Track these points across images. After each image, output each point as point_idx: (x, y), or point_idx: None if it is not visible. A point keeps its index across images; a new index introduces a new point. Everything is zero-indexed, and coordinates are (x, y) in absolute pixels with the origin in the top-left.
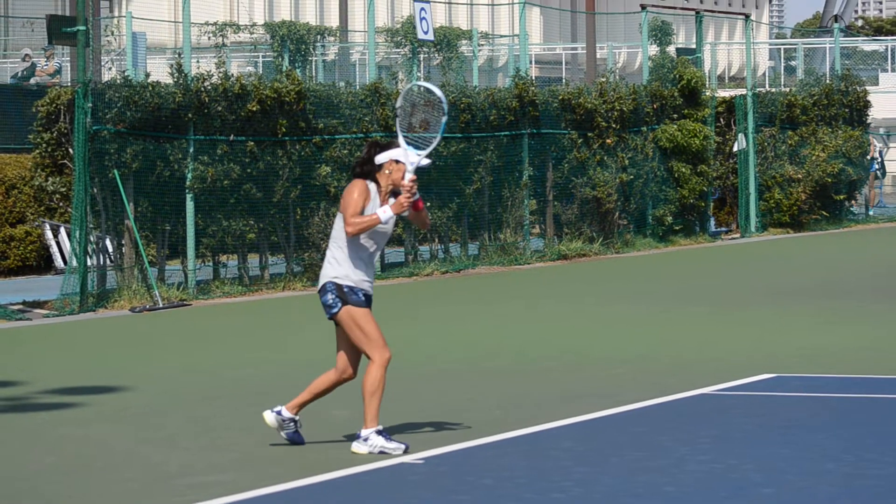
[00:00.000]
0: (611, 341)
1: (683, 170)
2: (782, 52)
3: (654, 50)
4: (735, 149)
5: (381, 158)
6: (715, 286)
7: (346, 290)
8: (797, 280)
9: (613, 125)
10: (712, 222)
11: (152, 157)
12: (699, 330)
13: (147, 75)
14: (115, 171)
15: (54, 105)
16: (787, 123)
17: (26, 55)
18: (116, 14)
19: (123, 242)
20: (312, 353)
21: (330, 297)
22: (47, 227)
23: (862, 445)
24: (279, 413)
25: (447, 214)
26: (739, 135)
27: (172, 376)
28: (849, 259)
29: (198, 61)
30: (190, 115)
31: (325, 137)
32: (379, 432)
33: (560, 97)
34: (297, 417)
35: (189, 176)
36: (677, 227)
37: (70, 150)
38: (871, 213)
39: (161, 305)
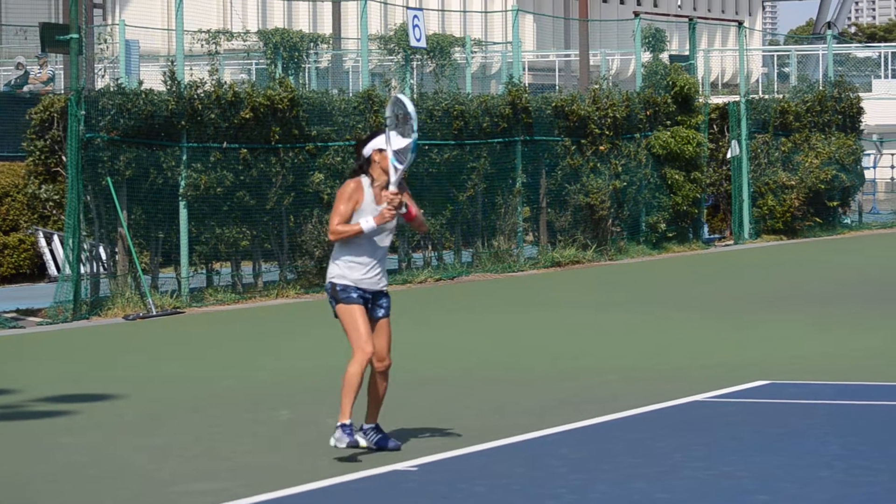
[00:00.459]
0: (605, 348)
1: (677, 176)
2: (775, 58)
3: (647, 57)
4: (728, 155)
5: (366, 151)
6: (708, 293)
7: (339, 288)
8: (791, 287)
9: (607, 132)
10: (706, 229)
11: (145, 165)
12: (693, 337)
13: (140, 83)
14: (109, 179)
15: (47, 113)
16: (780, 130)
17: (19, 63)
18: (110, 22)
19: (117, 250)
20: (306, 360)
21: (328, 296)
22: (41, 234)
23: (856, 452)
24: (362, 430)
25: (441, 221)
26: (733, 141)
27: (166, 384)
28: (842, 266)
29: (191, 69)
30: (183, 123)
31: (319, 145)
32: (342, 426)
33: (553, 104)
34: (374, 424)
35: (182, 183)
36: (671, 234)
37: (63, 158)
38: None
39: (154, 313)
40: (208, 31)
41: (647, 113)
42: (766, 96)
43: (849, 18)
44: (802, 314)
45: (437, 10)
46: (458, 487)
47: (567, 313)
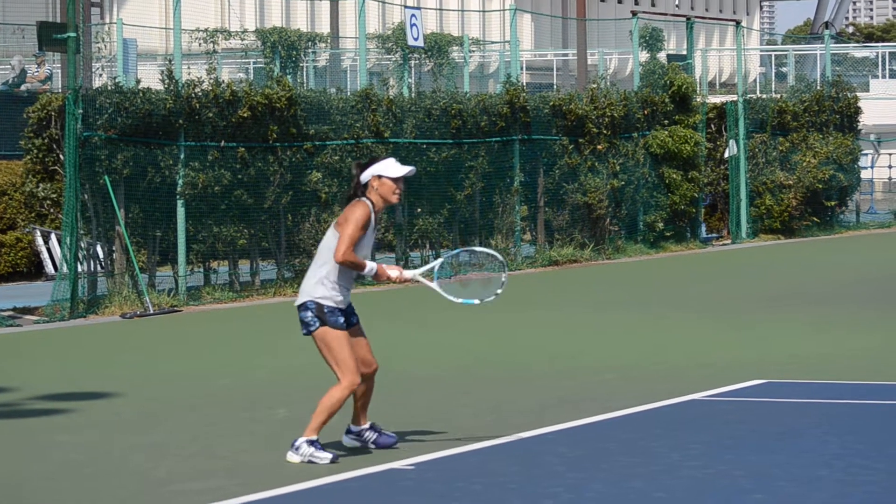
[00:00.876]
0: (602, 347)
1: (674, 176)
2: (773, 58)
3: (644, 56)
4: (726, 155)
5: (365, 177)
6: (706, 292)
7: (326, 310)
8: (788, 286)
9: (604, 131)
10: (703, 228)
11: (143, 164)
12: (690, 336)
13: (138, 81)
14: (106, 178)
15: (45, 111)
16: (777, 130)
17: (17, 62)
18: (107, 20)
19: (114, 248)
20: (303, 359)
21: (309, 315)
22: (38, 233)
23: (853, 451)
24: (351, 431)
25: (438, 220)
26: (731, 141)
27: (163, 382)
28: (840, 265)
29: (188, 67)
30: (181, 122)
31: (316, 143)
32: (311, 442)
33: (551, 103)
34: (368, 424)
35: (180, 182)
36: (668, 234)
37: (61, 156)
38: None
39: (152, 311)
40: (206, 30)
41: (645, 112)
42: (764, 96)
43: (846, 18)
44: (800, 313)
45: (435, 9)
46: (456, 486)
47: (564, 312)
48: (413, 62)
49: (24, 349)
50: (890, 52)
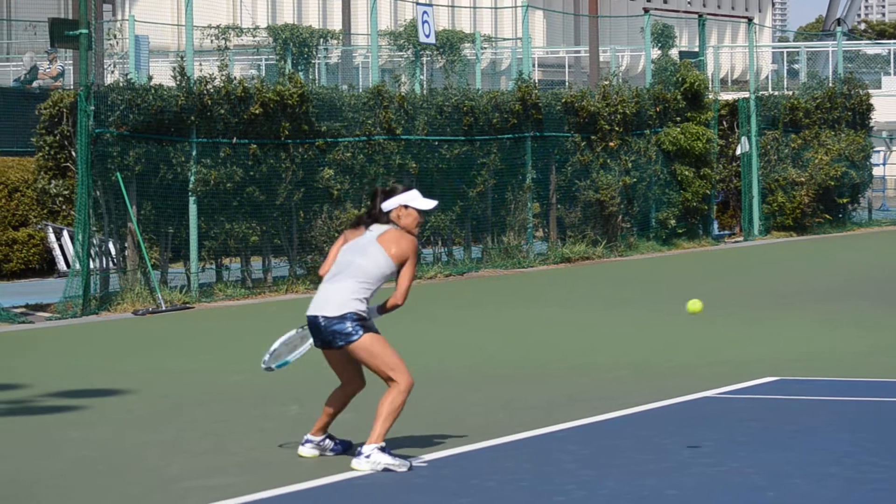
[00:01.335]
0: (614, 344)
1: (686, 173)
2: (785, 55)
3: (656, 53)
4: (738, 152)
5: (389, 205)
6: (718, 289)
7: (367, 319)
8: (800, 283)
9: (616, 128)
10: (715, 225)
11: (155, 160)
12: (702, 333)
13: (150, 78)
14: (118, 174)
15: (57, 108)
16: (789, 127)
17: (29, 59)
18: (119, 17)
19: (126, 245)
20: (315, 356)
21: (349, 325)
22: (50, 230)
23: (865, 449)
24: (309, 441)
25: (450, 217)
26: (742, 138)
27: (175, 379)
28: (852, 262)
29: (200, 64)
30: (193, 118)
31: (328, 140)
32: (382, 449)
33: (563, 100)
34: (325, 435)
35: (192, 179)
36: (680, 231)
37: (73, 153)
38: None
39: (164, 308)
40: (218, 27)
41: (657, 109)
42: (776, 93)
43: (858, 15)
44: (812, 311)
45: (447, 6)
46: (469, 483)
47: (576, 309)
48: (425, 59)
49: (37, 346)
50: None
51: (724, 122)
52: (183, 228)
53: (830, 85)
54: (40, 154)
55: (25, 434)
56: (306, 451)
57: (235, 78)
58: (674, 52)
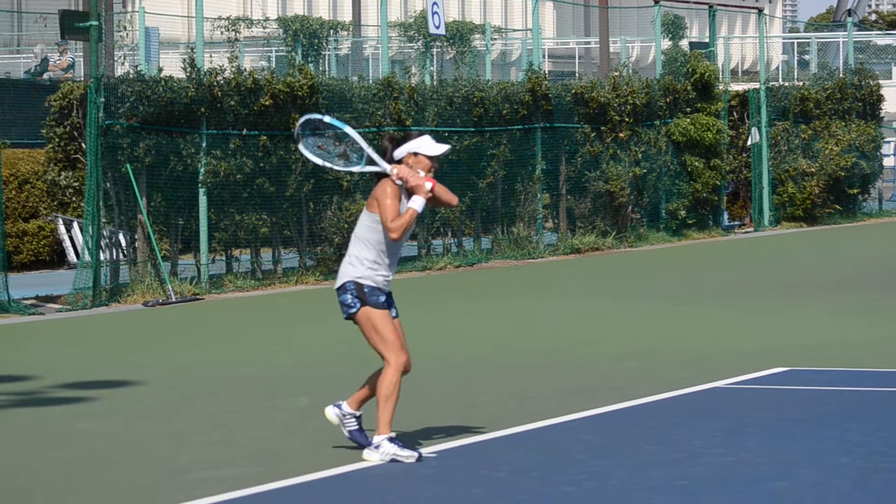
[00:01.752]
0: (624, 335)
1: (696, 164)
2: (796, 46)
3: (667, 44)
4: (749, 143)
5: (399, 153)
6: (728, 280)
7: (366, 290)
8: (810, 274)
9: (626, 119)
10: (725, 216)
11: (165, 152)
12: (712, 324)
13: (160, 70)
14: (128, 166)
15: (67, 100)
16: (800, 117)
17: (39, 50)
18: (129, 9)
19: (136, 237)
20: (325, 346)
21: (349, 296)
22: (60, 221)
23: (876, 439)
24: (339, 407)
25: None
26: (753, 129)
27: (185, 371)
28: (862, 253)
29: (210, 56)
30: (203, 110)
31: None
32: (391, 439)
33: (573, 91)
34: (358, 413)
35: (202, 170)
36: (690, 221)
37: (83, 145)
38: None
39: (174, 300)
40: (228, 19)
41: (667, 100)
42: (787, 84)
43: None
44: (822, 301)
45: None
46: (479, 474)
47: (586, 300)
48: (435, 50)
49: (47, 337)
50: None
51: (735, 113)
52: (193, 220)
53: (841, 76)
54: (50, 146)
55: (35, 425)
56: (330, 412)
57: (245, 69)
58: (684, 43)
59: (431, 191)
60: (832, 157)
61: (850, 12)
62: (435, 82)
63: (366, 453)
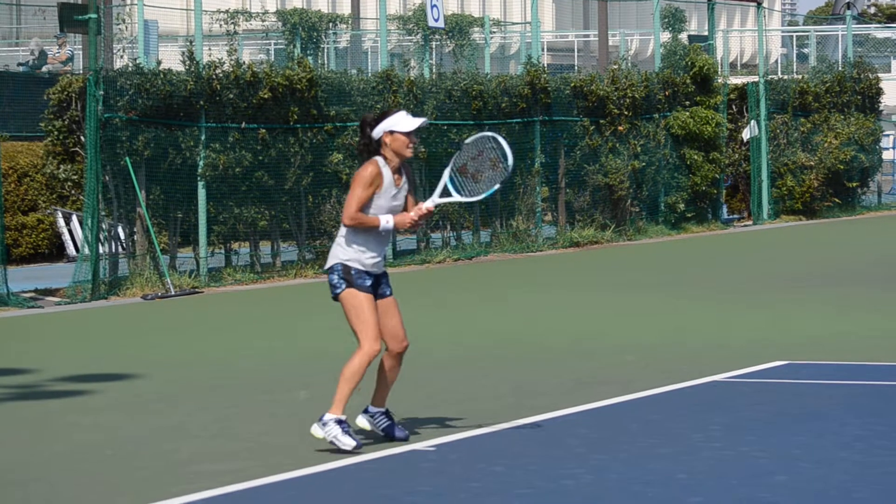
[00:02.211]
0: (623, 329)
1: (696, 157)
2: (794, 39)
3: (666, 37)
4: (746, 136)
5: (377, 133)
6: (727, 273)
7: (353, 272)
8: (809, 267)
9: (625, 112)
10: (724, 209)
11: (164, 145)
12: (711, 317)
13: (159, 63)
14: (127, 159)
15: (66, 93)
16: (799, 111)
17: (35, 45)
18: (128, 2)
19: (135, 230)
20: (324, 340)
21: (336, 277)
22: (59, 214)
23: (875, 433)
24: (367, 411)
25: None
26: (752, 122)
27: (184, 364)
28: (861, 246)
29: (209, 49)
30: (202, 103)
31: (337, 125)
32: (339, 421)
33: (572, 84)
34: (384, 409)
35: (201, 163)
36: (689, 215)
37: (82, 138)
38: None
39: (173, 293)
40: (227, 12)
41: (666, 93)
42: (786, 77)
43: None
44: (821, 295)
45: None
46: (477, 467)
47: (585, 293)
48: (434, 43)
49: (46, 331)
50: None
51: (734, 106)
52: (192, 213)
53: (840, 69)
54: (49, 139)
55: (34, 419)
56: (361, 421)
57: (244, 62)
58: (683, 36)
59: (414, 227)
60: (831, 151)
61: (848, 5)
62: (434, 75)
63: (313, 427)
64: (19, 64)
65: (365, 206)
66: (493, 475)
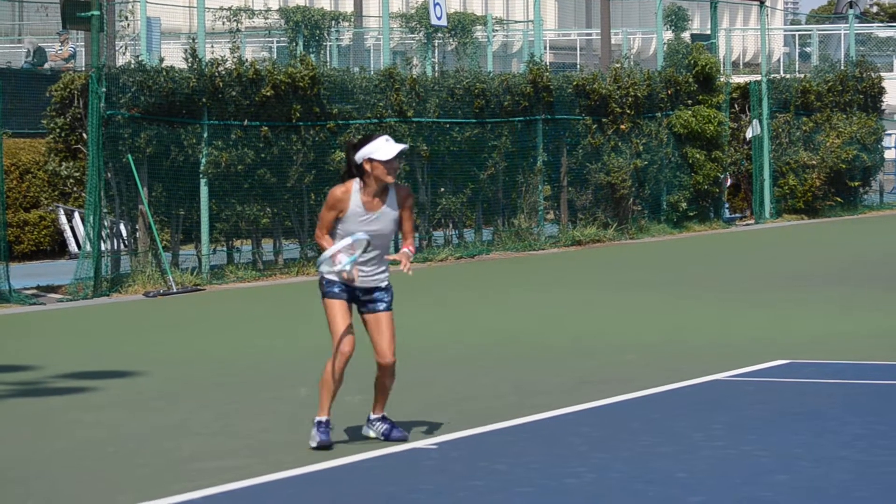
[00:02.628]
0: (625, 327)
1: (698, 156)
2: (797, 38)
3: (668, 36)
4: (749, 135)
5: (358, 158)
6: (729, 272)
7: (325, 283)
8: (811, 266)
9: (628, 111)
10: (726, 208)
11: (166, 142)
12: (713, 316)
13: (161, 60)
14: (129, 156)
15: (68, 90)
16: (801, 109)
17: (29, 44)
18: None
19: (137, 227)
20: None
21: (319, 284)
22: (61, 211)
23: (876, 432)
24: (368, 420)
25: (461, 200)
26: (754, 121)
27: (185, 361)
28: (863, 245)
29: (212, 46)
30: (204, 100)
31: (340, 123)
32: (318, 423)
33: (574, 83)
34: (382, 414)
35: (203, 161)
36: (692, 213)
37: (84, 135)
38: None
39: (175, 290)
40: (230, 9)
41: (669, 92)
42: (788, 76)
43: None
44: (823, 294)
45: None
46: (479, 466)
47: (587, 292)
48: (436, 41)
49: (48, 328)
50: None
51: (736, 105)
52: (194, 210)
53: (842, 68)
54: (51, 136)
55: (36, 415)
56: (366, 430)
57: (247, 60)
58: (686, 35)
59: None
60: (833, 150)
61: (851, 4)
62: (436, 73)
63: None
64: (26, 61)
65: (333, 228)
66: (495, 473)
